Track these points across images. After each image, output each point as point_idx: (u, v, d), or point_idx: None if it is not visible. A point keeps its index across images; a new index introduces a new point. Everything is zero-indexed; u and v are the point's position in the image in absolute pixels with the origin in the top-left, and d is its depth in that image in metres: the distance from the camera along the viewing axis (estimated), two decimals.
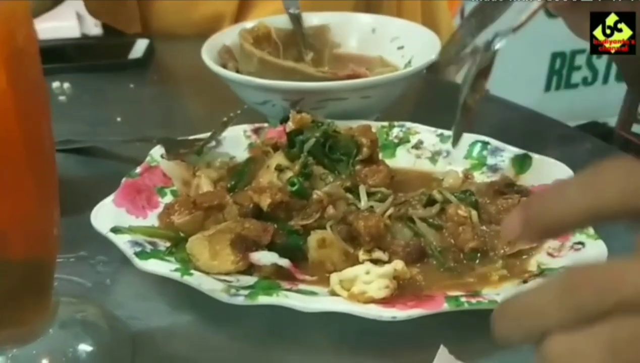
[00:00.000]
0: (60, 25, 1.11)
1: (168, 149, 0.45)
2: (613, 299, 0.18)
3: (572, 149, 0.53)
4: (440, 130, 0.46)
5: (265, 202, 0.37)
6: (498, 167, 0.43)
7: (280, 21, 0.62)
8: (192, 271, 0.34)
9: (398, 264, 0.33)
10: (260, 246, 0.36)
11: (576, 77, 1.92)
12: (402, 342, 0.32)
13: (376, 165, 0.42)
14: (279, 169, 0.41)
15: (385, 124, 0.48)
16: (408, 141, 0.47)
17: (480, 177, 0.43)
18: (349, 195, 0.39)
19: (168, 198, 0.42)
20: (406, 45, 0.59)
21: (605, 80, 1.93)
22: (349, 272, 0.33)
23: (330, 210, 0.38)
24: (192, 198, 0.39)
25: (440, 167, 0.45)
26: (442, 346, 0.31)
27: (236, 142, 0.47)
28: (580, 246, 0.33)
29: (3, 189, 0.23)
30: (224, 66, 0.55)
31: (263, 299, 0.32)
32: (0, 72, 0.22)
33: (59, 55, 0.72)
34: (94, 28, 1.30)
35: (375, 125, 0.47)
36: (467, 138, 0.44)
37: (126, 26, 0.82)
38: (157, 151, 0.45)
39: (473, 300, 0.31)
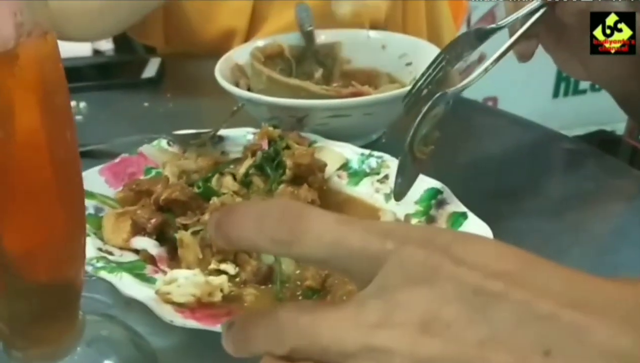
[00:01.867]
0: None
1: (178, 141, 0.51)
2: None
3: (576, 163, 0.54)
4: None
5: (162, 196, 0.41)
6: (434, 220, 0.41)
7: (292, 38, 0.63)
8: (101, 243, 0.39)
9: (217, 280, 0.34)
10: (147, 232, 0.40)
11: (584, 83, 1.92)
12: None
13: (296, 188, 0.42)
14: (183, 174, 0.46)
15: (366, 152, 0.48)
16: (377, 173, 0.47)
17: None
18: None
19: None
20: (414, 62, 0.60)
21: None
22: (176, 272, 0.35)
23: (206, 216, 0.40)
24: (138, 181, 0.45)
25: (390, 205, 0.44)
26: None
27: (236, 141, 0.51)
28: None
29: (35, 218, 0.24)
30: (237, 83, 0.56)
31: (103, 273, 0.35)
32: (35, 112, 0.23)
33: (74, 75, 0.74)
34: (105, 43, 1.33)
35: (354, 152, 0.48)
36: (427, 182, 0.43)
37: (150, 39, 0.84)
38: (163, 141, 0.50)
39: None
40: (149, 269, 0.38)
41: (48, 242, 0.26)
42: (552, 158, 0.56)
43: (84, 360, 0.31)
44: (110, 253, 0.39)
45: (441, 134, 0.42)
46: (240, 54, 0.60)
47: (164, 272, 0.38)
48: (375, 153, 0.48)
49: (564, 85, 1.95)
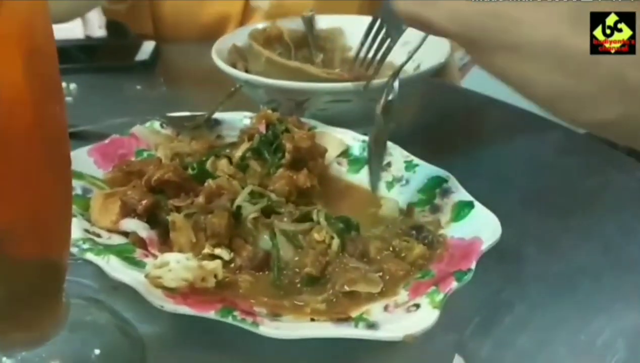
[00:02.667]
0: (64, 26, 1.11)
1: (172, 124, 0.49)
2: None
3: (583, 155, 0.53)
4: (411, 157, 0.43)
5: (154, 177, 0.39)
6: (439, 209, 0.39)
7: (292, 23, 0.61)
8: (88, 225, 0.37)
9: (211, 265, 0.32)
10: (138, 214, 0.38)
11: None
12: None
13: (295, 173, 0.41)
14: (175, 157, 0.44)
15: (367, 139, 0.46)
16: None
17: (420, 214, 0.40)
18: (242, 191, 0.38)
19: None
20: (416, 50, 0.58)
21: None
22: (167, 256, 0.33)
23: (200, 199, 0.38)
24: (129, 161, 0.43)
25: (392, 193, 0.42)
26: (456, 356, 0.30)
27: (232, 125, 0.49)
28: (414, 308, 0.30)
29: (19, 185, 0.22)
30: (233, 66, 0.54)
31: (89, 255, 0.33)
32: (17, 67, 0.21)
33: (65, 56, 0.71)
34: (97, 30, 1.30)
35: (356, 138, 0.47)
36: (431, 171, 0.41)
37: (139, 27, 0.82)
38: (156, 123, 0.49)
39: (246, 318, 0.30)
40: (138, 253, 0.36)
41: (33, 216, 0.24)
42: (560, 151, 0.54)
43: (66, 347, 0.29)
44: (98, 236, 0.37)
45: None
46: (238, 35, 0.58)
47: (155, 256, 0.36)
48: None
49: None
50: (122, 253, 0.35)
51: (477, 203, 0.38)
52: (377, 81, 0.50)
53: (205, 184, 0.39)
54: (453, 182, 0.40)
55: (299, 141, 0.42)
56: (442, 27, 0.33)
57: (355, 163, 0.46)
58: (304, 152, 0.42)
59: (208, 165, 0.42)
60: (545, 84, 0.31)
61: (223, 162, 0.43)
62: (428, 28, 0.34)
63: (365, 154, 0.46)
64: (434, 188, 0.41)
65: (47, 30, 0.23)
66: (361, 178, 0.45)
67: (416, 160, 0.43)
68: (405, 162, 0.44)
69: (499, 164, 0.52)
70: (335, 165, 0.46)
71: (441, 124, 0.59)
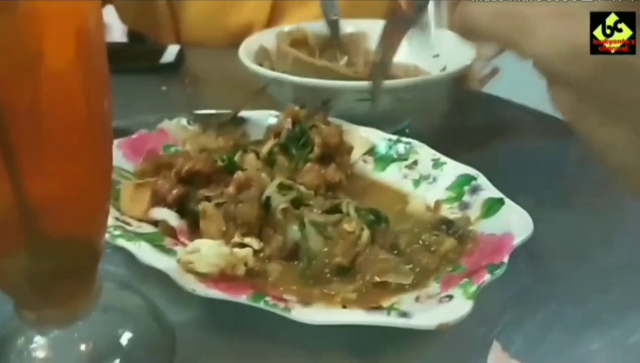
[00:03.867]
0: None
1: (199, 121, 0.49)
2: None
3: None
4: (438, 155, 0.44)
5: (185, 167, 0.39)
6: (468, 206, 0.39)
7: (317, 27, 0.62)
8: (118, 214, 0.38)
9: (242, 252, 0.33)
10: (168, 204, 0.38)
11: None
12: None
13: (323, 167, 0.41)
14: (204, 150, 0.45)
15: (394, 137, 0.47)
16: (406, 159, 0.45)
17: (448, 211, 0.39)
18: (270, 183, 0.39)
19: None
20: (441, 54, 0.59)
21: None
22: (199, 242, 0.33)
23: (230, 189, 0.38)
24: (159, 154, 0.44)
25: (419, 191, 0.42)
26: (495, 341, 0.30)
27: (258, 123, 0.50)
28: (447, 299, 0.30)
29: (61, 160, 0.23)
30: (260, 65, 0.55)
31: (121, 241, 0.34)
32: (71, 43, 0.22)
33: None
34: (120, 38, 1.32)
35: (381, 137, 0.47)
36: (460, 169, 0.42)
37: (161, 36, 0.83)
38: (183, 119, 0.49)
39: (277, 303, 0.30)
40: (167, 241, 0.36)
41: (73, 193, 0.24)
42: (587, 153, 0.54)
43: (98, 327, 0.29)
44: (128, 224, 0.37)
45: None
46: (265, 37, 0.58)
47: (184, 245, 0.36)
48: (404, 138, 0.46)
49: None
50: (152, 240, 0.35)
51: (507, 200, 0.38)
52: (400, 81, 0.50)
53: (235, 175, 0.39)
54: (482, 180, 0.40)
55: (328, 136, 0.42)
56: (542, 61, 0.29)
57: (381, 161, 0.46)
58: (332, 148, 0.42)
59: (236, 158, 0.43)
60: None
61: (250, 156, 0.43)
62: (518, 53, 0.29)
63: (391, 152, 0.46)
64: (463, 186, 0.41)
65: (98, 15, 0.24)
66: (387, 176, 0.45)
67: (443, 158, 0.43)
68: (433, 160, 0.44)
69: (524, 165, 0.52)
70: (360, 163, 0.46)
71: (464, 126, 0.60)
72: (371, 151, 0.47)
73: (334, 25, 0.62)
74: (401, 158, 0.45)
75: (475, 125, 0.60)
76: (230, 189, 0.38)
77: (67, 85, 0.22)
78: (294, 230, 0.36)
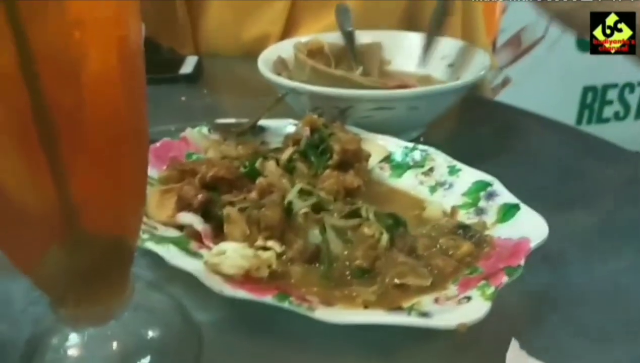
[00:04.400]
0: None
1: (219, 130, 0.51)
2: None
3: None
4: (454, 162, 0.45)
5: (209, 173, 0.41)
6: (484, 212, 0.40)
7: (333, 37, 0.63)
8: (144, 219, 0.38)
9: (266, 254, 0.34)
10: (193, 209, 0.39)
11: (608, 111, 1.91)
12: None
13: (342, 173, 0.42)
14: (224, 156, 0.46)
15: (410, 145, 0.48)
16: (422, 166, 0.46)
17: (464, 216, 0.41)
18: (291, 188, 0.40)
19: None
20: (456, 63, 0.60)
21: (638, 115, 1.92)
22: (224, 244, 0.34)
23: (253, 194, 0.39)
24: (182, 162, 0.46)
25: (436, 197, 0.43)
26: (513, 340, 0.30)
27: (277, 132, 0.51)
28: (466, 300, 0.31)
29: (105, 161, 0.24)
30: (278, 75, 0.56)
31: (149, 244, 0.35)
32: (112, 49, 0.23)
33: None
34: None
35: (398, 144, 0.48)
36: (475, 175, 0.43)
37: (180, 46, 0.86)
38: (204, 128, 0.51)
39: (301, 304, 0.31)
40: (193, 245, 0.38)
41: (113, 192, 0.25)
42: (599, 160, 0.55)
43: (130, 326, 0.30)
44: (155, 228, 0.39)
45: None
46: (282, 47, 0.60)
47: (209, 248, 0.37)
48: (420, 146, 0.47)
49: (588, 113, 1.94)
50: (178, 244, 0.37)
51: (523, 205, 0.38)
52: (417, 89, 0.52)
53: (257, 181, 0.40)
54: (498, 186, 0.41)
55: (346, 143, 0.43)
56: None
57: (398, 168, 0.47)
58: (350, 154, 0.43)
59: (257, 165, 0.44)
60: None
61: (270, 163, 0.45)
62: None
63: (408, 159, 0.47)
64: (479, 192, 0.42)
65: (138, 22, 0.25)
66: (404, 183, 0.46)
67: (459, 164, 0.44)
68: (449, 167, 0.45)
69: (537, 169, 0.53)
70: (378, 170, 0.47)
71: (477, 133, 0.60)
72: (388, 158, 0.48)
73: (349, 36, 0.64)
74: (417, 165, 0.47)
75: (488, 132, 0.61)
76: (253, 194, 0.39)
77: (109, 90, 0.23)
78: (315, 234, 0.37)
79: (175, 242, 0.37)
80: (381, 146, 0.49)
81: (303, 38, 0.62)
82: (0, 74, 0.21)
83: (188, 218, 0.39)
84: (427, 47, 0.51)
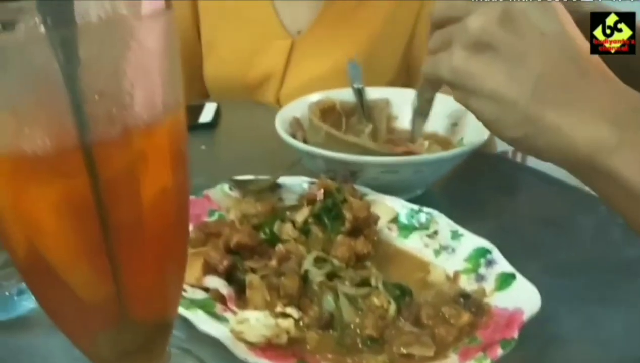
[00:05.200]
0: None
1: (239, 187, 0.55)
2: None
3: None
4: (456, 227, 0.48)
5: (233, 240, 0.44)
6: (484, 279, 0.43)
7: (343, 94, 0.68)
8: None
9: (285, 323, 0.37)
10: (218, 273, 0.43)
11: None
12: None
13: (354, 239, 0.46)
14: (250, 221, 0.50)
15: (416, 207, 0.52)
16: (426, 229, 0.50)
17: (465, 282, 0.44)
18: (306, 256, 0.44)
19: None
20: (460, 123, 0.64)
21: None
22: (247, 313, 0.38)
23: (273, 262, 0.43)
24: (206, 223, 0.49)
25: (439, 260, 0.47)
26: None
27: (292, 189, 0.55)
28: None
29: (156, 260, 0.28)
30: (294, 135, 0.61)
31: (181, 310, 0.38)
32: (167, 169, 0.27)
33: None
34: None
35: (405, 206, 0.52)
36: (476, 241, 0.46)
37: (186, 90, 0.91)
38: (225, 185, 0.54)
39: None
40: (218, 307, 0.41)
41: (161, 284, 0.29)
42: (598, 221, 0.58)
43: None
44: (184, 290, 0.43)
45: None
46: (296, 107, 0.64)
47: (232, 311, 0.41)
48: (425, 209, 0.51)
49: None
50: (205, 307, 0.41)
51: (518, 276, 0.42)
52: (422, 157, 0.56)
53: (276, 248, 0.45)
54: (496, 253, 0.45)
55: (357, 211, 0.47)
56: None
57: (404, 229, 0.51)
58: (361, 221, 0.47)
59: (275, 228, 0.48)
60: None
61: (287, 226, 0.49)
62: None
63: (414, 221, 0.51)
64: (479, 258, 0.45)
65: (184, 131, 0.29)
66: (410, 244, 0.50)
67: (461, 230, 0.48)
68: (452, 231, 0.49)
69: (535, 229, 0.56)
70: (385, 231, 0.51)
71: (478, 189, 0.64)
72: (395, 219, 0.52)
73: (359, 93, 0.68)
74: (422, 227, 0.50)
75: (489, 187, 0.65)
76: (273, 262, 0.43)
77: (164, 205, 0.27)
78: (329, 302, 0.41)
79: (202, 305, 0.41)
80: (389, 207, 0.53)
81: (315, 97, 0.66)
82: (76, 195, 0.25)
83: (214, 282, 0.43)
84: (415, 126, 0.56)
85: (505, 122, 0.38)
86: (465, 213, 0.51)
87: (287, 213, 0.51)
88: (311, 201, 0.51)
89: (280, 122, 0.60)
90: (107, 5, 0.23)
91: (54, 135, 0.23)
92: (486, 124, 0.41)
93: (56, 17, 0.22)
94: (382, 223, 0.52)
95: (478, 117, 0.41)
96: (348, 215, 0.47)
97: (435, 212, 0.51)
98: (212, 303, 0.42)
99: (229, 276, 0.44)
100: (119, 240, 0.26)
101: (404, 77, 0.91)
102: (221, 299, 0.43)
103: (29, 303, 0.45)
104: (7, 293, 0.45)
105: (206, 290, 0.44)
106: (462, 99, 0.41)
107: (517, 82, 0.36)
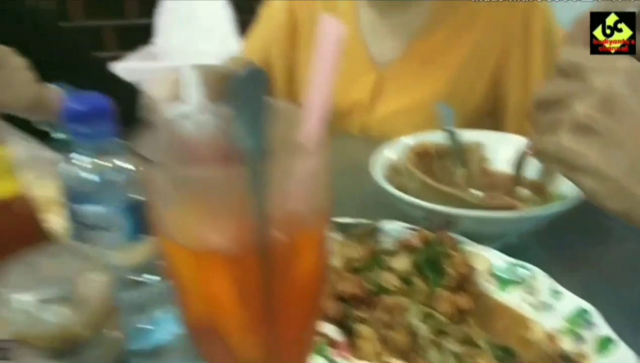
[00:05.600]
0: None
1: (340, 229, 0.58)
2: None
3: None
4: (556, 286, 0.49)
5: (345, 291, 0.48)
6: (584, 341, 0.45)
7: (436, 137, 0.70)
8: None
9: None
10: (329, 319, 0.46)
11: None
12: None
13: (457, 293, 0.48)
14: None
15: (514, 261, 0.53)
16: (526, 284, 0.51)
17: (564, 342, 0.45)
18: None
19: None
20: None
21: None
22: None
23: (380, 313, 0.46)
24: None
25: (539, 317, 0.49)
26: None
27: (389, 234, 0.58)
28: None
29: (302, 319, 0.32)
30: (390, 179, 0.64)
31: None
32: (316, 252, 0.31)
33: None
34: None
35: (500, 257, 0.54)
36: (575, 302, 0.47)
37: None
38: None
39: None
40: (331, 352, 0.45)
41: (306, 340, 0.34)
42: None
43: None
44: None
45: None
46: (392, 150, 0.68)
47: (344, 357, 0.45)
48: (523, 263, 0.53)
49: None
50: (320, 351, 0.45)
51: (618, 341, 0.44)
52: (519, 214, 0.57)
53: (382, 298, 0.48)
54: (595, 315, 0.46)
55: (458, 267, 0.50)
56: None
57: (503, 283, 0.53)
58: (461, 277, 0.50)
59: (380, 280, 0.51)
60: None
61: (390, 276, 0.52)
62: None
63: (512, 276, 0.53)
64: (578, 318, 0.47)
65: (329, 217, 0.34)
66: (508, 298, 0.52)
67: (560, 288, 0.50)
68: (551, 290, 0.50)
69: (629, 283, 0.56)
70: (485, 283, 0.54)
71: (569, 234, 0.64)
72: (493, 272, 0.54)
73: (451, 135, 0.70)
74: (521, 282, 0.52)
75: (578, 233, 0.65)
76: (381, 314, 0.46)
77: (312, 281, 0.32)
78: (436, 357, 0.44)
79: (317, 351, 0.45)
80: (485, 258, 0.55)
81: (410, 140, 0.69)
82: (249, 283, 0.30)
83: (327, 328, 0.47)
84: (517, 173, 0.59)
85: (606, 197, 0.43)
86: (557, 262, 0.51)
87: (386, 257, 0.55)
88: (408, 248, 0.54)
89: (377, 166, 0.64)
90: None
91: (237, 237, 0.28)
92: (589, 197, 0.44)
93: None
94: (478, 273, 0.54)
95: (582, 190, 0.44)
96: (451, 270, 0.50)
97: (535, 269, 0.52)
98: (325, 348, 0.46)
99: (339, 322, 0.48)
100: (278, 312, 0.31)
101: (489, 108, 0.91)
102: (333, 343, 0.47)
103: (162, 335, 0.50)
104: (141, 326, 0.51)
105: (320, 334, 0.48)
106: (568, 173, 0.44)
107: (615, 162, 0.41)
